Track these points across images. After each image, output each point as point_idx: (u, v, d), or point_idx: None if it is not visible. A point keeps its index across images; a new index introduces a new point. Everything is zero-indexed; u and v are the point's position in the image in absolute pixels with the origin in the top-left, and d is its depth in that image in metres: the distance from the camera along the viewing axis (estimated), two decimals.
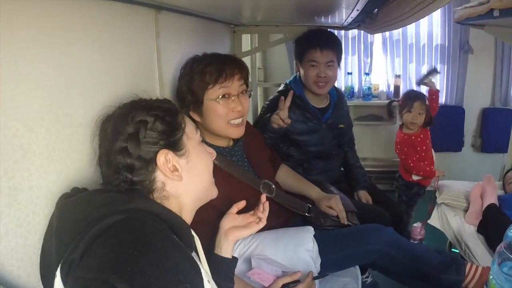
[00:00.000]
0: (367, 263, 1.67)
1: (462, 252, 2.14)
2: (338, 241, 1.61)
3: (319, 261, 1.48)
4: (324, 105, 2.22)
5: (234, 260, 1.17)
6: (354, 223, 1.74)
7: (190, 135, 0.95)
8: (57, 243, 0.78)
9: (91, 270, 0.66)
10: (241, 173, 1.54)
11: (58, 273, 0.73)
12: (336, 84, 2.32)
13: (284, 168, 1.94)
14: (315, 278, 1.31)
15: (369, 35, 3.69)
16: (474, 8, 2.05)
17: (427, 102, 2.55)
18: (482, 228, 2.10)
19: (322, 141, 2.19)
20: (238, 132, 1.50)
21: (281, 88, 2.26)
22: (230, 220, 1.19)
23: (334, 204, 1.71)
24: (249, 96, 1.54)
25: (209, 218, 1.26)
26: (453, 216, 2.32)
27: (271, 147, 1.95)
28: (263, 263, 1.33)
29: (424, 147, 2.61)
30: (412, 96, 2.56)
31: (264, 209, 1.20)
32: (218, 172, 1.06)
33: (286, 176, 1.90)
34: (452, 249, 2.41)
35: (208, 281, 0.86)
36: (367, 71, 3.84)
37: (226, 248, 1.15)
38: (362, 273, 1.91)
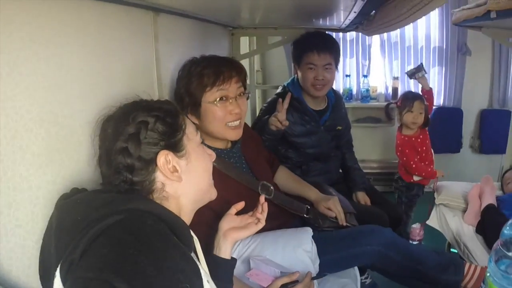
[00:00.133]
0: (366, 264, 1.67)
1: (461, 253, 2.15)
2: (337, 242, 1.61)
3: (317, 262, 1.48)
4: (322, 107, 2.23)
5: (233, 261, 1.17)
6: (352, 224, 1.74)
7: (191, 136, 0.96)
8: (57, 243, 0.78)
9: (90, 270, 0.66)
10: (239, 174, 1.54)
11: (57, 273, 0.73)
12: (334, 86, 2.33)
13: (283, 169, 1.94)
14: (313, 278, 1.32)
15: (367, 37, 3.70)
16: (471, 10, 2.06)
17: (425, 102, 2.56)
18: (481, 229, 2.10)
19: (320, 143, 2.19)
20: (236, 134, 1.51)
21: (279, 90, 2.26)
22: (229, 221, 1.19)
23: (333, 206, 1.71)
24: (247, 99, 1.54)
25: (207, 219, 1.27)
26: (452, 216, 2.33)
27: (269, 149, 1.95)
28: (261, 264, 1.33)
29: (424, 148, 2.61)
30: (411, 96, 2.57)
31: (263, 210, 1.21)
32: (216, 174, 1.06)
33: (284, 177, 1.90)
34: (451, 250, 2.41)
35: (208, 281, 0.86)
36: (365, 73, 3.84)
37: (225, 249, 1.15)
38: (361, 274, 1.92)
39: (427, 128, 2.65)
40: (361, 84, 3.85)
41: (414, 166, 2.54)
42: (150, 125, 0.88)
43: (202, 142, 1.04)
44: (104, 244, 0.70)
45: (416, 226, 2.49)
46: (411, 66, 3.73)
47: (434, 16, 3.66)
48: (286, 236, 1.49)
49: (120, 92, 1.10)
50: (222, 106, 1.43)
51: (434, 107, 3.55)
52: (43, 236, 0.85)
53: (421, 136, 2.59)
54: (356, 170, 2.33)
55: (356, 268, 1.69)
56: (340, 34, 3.62)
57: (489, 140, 3.73)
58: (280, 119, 1.83)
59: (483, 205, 2.17)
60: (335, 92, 2.33)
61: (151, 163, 0.87)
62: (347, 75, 3.85)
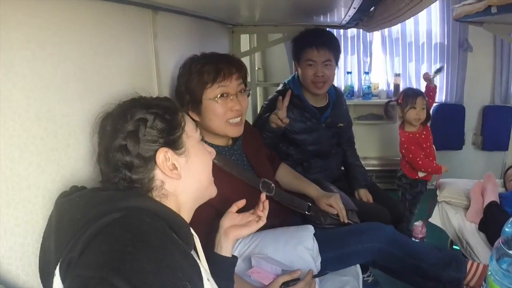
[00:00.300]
0: (368, 262, 1.67)
1: (463, 250, 2.14)
2: (338, 239, 1.61)
3: (319, 259, 1.48)
4: (323, 104, 2.22)
5: (234, 259, 1.17)
6: (354, 222, 1.74)
7: (190, 133, 0.95)
8: (56, 241, 0.78)
9: (89, 268, 0.66)
10: (240, 172, 1.54)
11: (57, 271, 0.73)
12: (335, 83, 2.33)
13: (284, 167, 1.94)
14: (315, 276, 1.31)
15: (368, 34, 3.69)
16: (472, 5, 2.05)
17: (426, 98, 2.56)
18: (483, 226, 2.09)
19: (320, 140, 2.19)
20: (236, 131, 1.51)
21: (279, 88, 2.26)
22: (230, 219, 1.19)
23: (334, 203, 1.71)
24: (248, 96, 1.54)
25: (208, 217, 1.27)
26: (454, 214, 2.32)
27: (270, 146, 1.95)
28: (263, 262, 1.33)
29: (428, 144, 2.60)
30: (413, 93, 2.56)
31: (264, 208, 1.20)
32: (217, 171, 1.06)
33: (285, 174, 1.90)
34: (454, 247, 2.41)
35: (208, 279, 0.86)
36: (366, 70, 3.83)
37: (226, 247, 1.15)
38: (363, 271, 1.91)
39: (429, 124, 2.64)
40: (362, 81, 3.85)
41: (420, 162, 2.52)
42: (149, 123, 0.87)
43: (202, 139, 1.03)
44: (103, 242, 0.70)
45: (418, 223, 2.48)
46: (413, 63, 3.75)
47: (435, 12, 3.65)
48: (288, 233, 1.49)
49: (119, 91, 1.09)
50: (222, 102, 1.43)
51: (436, 104, 3.56)
52: (42, 234, 0.84)
53: (424, 132, 2.59)
54: (358, 167, 2.32)
55: (358, 265, 1.69)
56: (341, 31, 3.62)
57: (491, 137, 3.72)
58: (280, 117, 1.83)
59: (486, 203, 2.16)
60: (336, 89, 2.32)
61: (150, 160, 0.87)
62: (348, 72, 3.84)
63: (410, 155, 2.54)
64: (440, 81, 3.73)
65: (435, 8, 3.61)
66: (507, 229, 0.89)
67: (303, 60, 2.09)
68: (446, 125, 3.60)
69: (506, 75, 3.65)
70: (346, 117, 2.38)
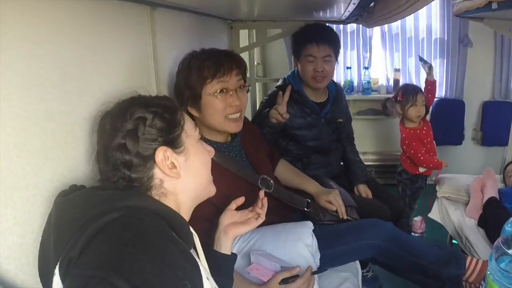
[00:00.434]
0: (367, 258, 1.67)
1: (463, 246, 2.14)
2: (338, 236, 1.61)
3: (318, 256, 1.48)
4: (323, 99, 2.22)
5: (234, 256, 1.18)
6: (353, 218, 1.74)
7: (189, 132, 0.95)
8: (55, 241, 0.77)
9: (89, 267, 0.66)
10: (239, 168, 1.54)
11: (56, 271, 0.73)
12: (335, 79, 2.32)
13: (283, 163, 1.93)
14: (314, 273, 1.31)
15: (368, 29, 3.67)
16: (472, 1, 2.04)
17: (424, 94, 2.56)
18: (483, 222, 2.10)
19: (320, 135, 2.18)
20: (235, 127, 1.50)
21: (279, 83, 2.25)
22: (229, 216, 1.19)
23: (333, 199, 1.71)
24: (247, 91, 1.54)
25: (207, 214, 1.27)
26: (454, 210, 2.32)
27: (269, 142, 1.95)
28: (262, 259, 1.33)
29: (429, 139, 2.60)
30: (413, 90, 2.55)
31: (262, 205, 1.21)
32: (216, 168, 1.06)
33: (285, 171, 1.89)
34: (453, 241, 2.41)
35: (207, 278, 0.86)
36: (366, 65, 3.82)
37: (225, 245, 1.15)
38: (363, 267, 1.92)
39: (429, 120, 2.64)
40: (362, 76, 3.83)
41: (422, 158, 2.52)
42: (148, 121, 0.87)
43: (202, 138, 1.03)
44: (103, 241, 0.70)
45: (417, 219, 2.49)
46: (412, 58, 3.75)
47: (435, 7, 3.62)
48: (287, 230, 1.49)
49: (117, 88, 1.09)
50: (222, 98, 1.43)
51: (435, 99, 3.54)
52: (41, 234, 0.84)
53: (425, 128, 2.58)
54: (357, 163, 2.32)
55: (357, 261, 1.69)
56: (341, 26, 3.61)
57: (491, 132, 3.71)
58: (280, 112, 1.83)
59: (485, 198, 2.16)
60: (335, 85, 2.31)
61: (149, 159, 0.86)
62: (348, 67, 3.83)
63: (412, 151, 2.54)
64: (440, 77, 3.72)
65: (435, 3, 3.59)
66: (507, 228, 0.88)
67: (303, 55, 2.09)
68: (446, 120, 3.59)
69: (506, 70, 3.64)
70: (346, 113, 2.38)
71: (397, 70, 3.76)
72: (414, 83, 3.54)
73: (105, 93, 1.06)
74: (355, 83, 3.90)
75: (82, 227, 0.72)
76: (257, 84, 3.41)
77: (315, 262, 1.44)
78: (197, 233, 0.94)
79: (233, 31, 2.72)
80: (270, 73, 3.91)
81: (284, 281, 1.23)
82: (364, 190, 2.18)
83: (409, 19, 3.66)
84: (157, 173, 0.88)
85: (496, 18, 2.43)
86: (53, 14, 0.91)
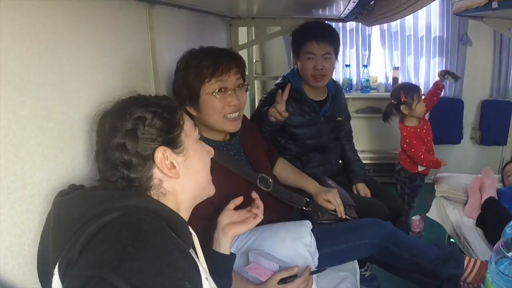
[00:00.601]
0: (366, 257, 1.67)
1: (461, 246, 2.14)
2: (336, 235, 1.61)
3: (316, 255, 1.48)
4: (322, 98, 2.21)
5: (233, 256, 1.18)
6: (352, 217, 1.74)
7: (188, 132, 0.95)
8: (55, 241, 0.77)
9: (89, 267, 0.66)
10: (238, 167, 1.53)
11: (56, 271, 0.73)
12: (334, 77, 2.31)
13: (282, 161, 1.93)
14: (312, 272, 1.31)
15: (367, 27, 3.67)
16: (472, 0, 2.03)
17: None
18: (481, 222, 2.10)
19: (319, 134, 2.18)
20: (234, 126, 1.50)
21: (278, 81, 2.24)
22: (228, 216, 1.19)
23: (332, 198, 1.70)
24: (246, 90, 1.53)
25: (205, 212, 1.26)
26: (452, 209, 2.32)
27: (268, 140, 1.94)
28: (260, 258, 1.33)
29: (428, 138, 2.61)
30: (413, 88, 2.56)
31: (258, 206, 1.20)
32: (214, 167, 1.05)
33: (283, 169, 1.89)
34: (451, 240, 2.41)
35: (206, 278, 0.86)
36: (365, 64, 3.82)
37: (224, 244, 1.15)
38: (361, 266, 1.92)
39: (428, 118, 2.65)
40: (361, 74, 3.84)
41: (422, 156, 2.52)
42: (148, 121, 0.86)
43: (200, 137, 1.02)
44: (102, 241, 0.69)
45: (416, 218, 2.49)
46: (411, 56, 3.75)
47: (435, 5, 3.62)
48: (285, 229, 1.49)
49: (115, 86, 1.09)
50: (220, 97, 1.42)
51: None
52: (40, 233, 0.84)
53: (425, 127, 2.59)
54: (356, 161, 2.32)
55: (355, 261, 1.69)
56: (340, 24, 3.60)
57: (489, 131, 3.72)
58: (279, 110, 1.82)
59: (484, 198, 2.17)
60: (335, 83, 2.31)
61: (149, 159, 0.86)
62: (347, 65, 3.84)
63: (412, 149, 2.54)
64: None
65: (434, 1, 3.58)
66: (508, 231, 0.88)
67: (302, 53, 2.08)
68: (445, 119, 3.59)
69: (505, 69, 3.64)
70: (345, 111, 2.37)
71: (396, 68, 3.77)
72: (413, 82, 3.56)
73: (104, 91, 1.06)
74: (354, 81, 3.90)
75: (82, 227, 0.72)
76: (255, 81, 3.41)
77: (313, 262, 1.44)
78: (195, 232, 0.94)
79: (232, 29, 2.71)
80: (268, 71, 3.90)
81: (283, 281, 1.23)
82: (362, 189, 2.18)
83: (409, 17, 3.65)
84: (156, 173, 0.87)
85: (496, 17, 2.42)
86: (51, 12, 0.90)
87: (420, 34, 3.72)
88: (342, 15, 2.43)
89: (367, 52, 3.84)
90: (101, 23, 1.12)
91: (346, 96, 2.47)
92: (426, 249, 1.59)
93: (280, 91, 1.86)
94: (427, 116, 2.78)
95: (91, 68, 1.06)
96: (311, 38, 2.04)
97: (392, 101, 2.60)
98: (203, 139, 1.23)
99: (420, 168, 2.59)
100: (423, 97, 2.53)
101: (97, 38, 1.10)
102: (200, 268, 0.82)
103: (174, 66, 1.50)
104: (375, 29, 3.76)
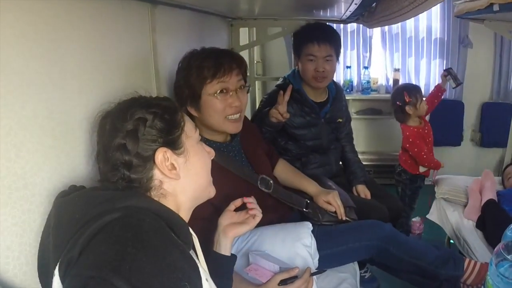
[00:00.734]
0: (365, 259, 1.67)
1: (461, 247, 2.14)
2: (336, 236, 1.61)
3: (317, 256, 1.48)
4: (323, 99, 2.21)
5: (233, 257, 1.18)
6: (352, 219, 1.74)
7: (189, 133, 0.95)
8: (55, 241, 0.77)
9: (89, 268, 0.66)
10: (239, 168, 1.53)
11: (56, 271, 0.73)
12: (335, 78, 2.31)
13: (282, 163, 1.93)
14: (313, 274, 1.31)
15: (368, 29, 3.67)
16: (474, 2, 2.04)
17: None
18: (481, 224, 2.09)
19: (320, 135, 2.18)
20: (235, 128, 1.50)
21: (279, 82, 2.24)
22: (228, 217, 1.19)
23: (332, 200, 1.70)
24: (247, 92, 1.53)
25: (206, 214, 1.26)
26: (452, 211, 2.32)
27: (269, 142, 1.94)
28: (260, 259, 1.33)
29: (430, 139, 2.62)
30: (414, 87, 2.58)
31: (251, 208, 1.21)
32: (215, 168, 1.05)
33: (284, 171, 1.89)
34: (450, 241, 2.41)
35: (206, 279, 0.85)
36: (366, 65, 3.82)
37: (225, 245, 1.15)
38: (361, 268, 1.92)
39: (428, 120, 2.65)
40: (361, 76, 3.84)
41: (425, 157, 2.53)
42: (149, 122, 0.86)
43: (201, 136, 1.02)
44: (103, 242, 0.69)
45: (416, 219, 2.49)
46: (412, 58, 3.75)
47: (436, 7, 3.62)
48: (285, 230, 1.49)
49: (117, 87, 1.08)
50: (222, 98, 1.42)
51: None
52: (41, 234, 0.84)
53: (426, 128, 2.60)
54: (356, 163, 2.32)
55: (355, 262, 1.69)
56: (341, 25, 3.60)
57: (490, 133, 3.72)
58: (280, 111, 1.82)
59: (484, 200, 2.16)
60: (336, 84, 2.31)
61: (149, 160, 0.86)
62: (347, 67, 3.84)
63: (415, 149, 2.54)
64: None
65: (434, 6, 3.59)
66: (509, 233, 0.88)
67: (303, 54, 2.07)
68: (445, 121, 3.59)
69: (506, 72, 3.65)
70: (345, 113, 2.37)
71: (396, 70, 3.77)
72: (414, 83, 3.55)
73: (105, 91, 1.06)
74: (355, 83, 3.90)
75: (82, 227, 0.72)
76: (256, 82, 3.41)
77: (314, 263, 1.43)
78: (195, 232, 0.94)
79: (233, 29, 2.71)
80: (269, 72, 3.90)
81: (283, 282, 1.22)
82: (363, 191, 2.18)
83: (409, 19, 3.63)
84: (156, 174, 0.87)
85: (498, 20, 2.43)
86: (53, 12, 0.90)
87: (421, 36, 3.72)
88: (344, 17, 2.43)
89: (368, 54, 3.84)
90: (103, 24, 1.12)
91: (346, 98, 2.47)
92: (426, 251, 1.59)
93: (281, 92, 1.86)
94: (427, 118, 2.78)
95: (93, 68, 1.06)
96: (312, 40, 2.04)
97: (397, 103, 2.60)
98: (203, 140, 1.22)
99: (421, 169, 2.59)
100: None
101: (99, 38, 1.10)
102: (200, 269, 0.82)
103: (176, 66, 1.50)
104: (376, 31, 3.76)
